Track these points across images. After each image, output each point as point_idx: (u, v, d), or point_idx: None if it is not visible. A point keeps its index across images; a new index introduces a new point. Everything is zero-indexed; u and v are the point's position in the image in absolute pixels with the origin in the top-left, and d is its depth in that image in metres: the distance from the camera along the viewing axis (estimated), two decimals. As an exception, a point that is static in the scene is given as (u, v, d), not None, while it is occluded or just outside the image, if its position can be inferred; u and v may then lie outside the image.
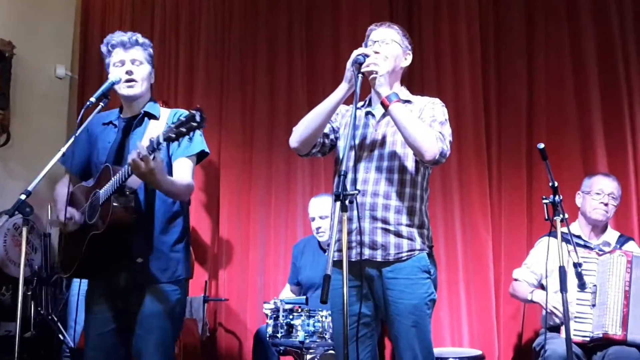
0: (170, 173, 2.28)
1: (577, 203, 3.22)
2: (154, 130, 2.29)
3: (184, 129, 1.98)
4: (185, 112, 2.32)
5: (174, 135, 1.99)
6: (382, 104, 2.15)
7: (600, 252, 2.96)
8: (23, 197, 2.22)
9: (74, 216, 2.30)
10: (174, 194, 2.24)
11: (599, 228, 3.16)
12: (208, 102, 4.43)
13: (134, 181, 2.16)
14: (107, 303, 2.30)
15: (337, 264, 2.06)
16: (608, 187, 3.13)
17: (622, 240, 3.16)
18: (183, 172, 2.27)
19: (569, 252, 2.76)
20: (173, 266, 2.29)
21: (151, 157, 2.03)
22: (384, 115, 2.28)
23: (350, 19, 4.25)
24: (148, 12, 4.75)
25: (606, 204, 3.11)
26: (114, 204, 2.14)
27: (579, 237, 3.10)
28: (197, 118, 1.98)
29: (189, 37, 4.60)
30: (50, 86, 4.77)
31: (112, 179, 2.17)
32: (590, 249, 3.01)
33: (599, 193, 3.12)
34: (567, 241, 2.78)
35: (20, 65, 4.45)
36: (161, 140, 2.01)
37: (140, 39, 2.39)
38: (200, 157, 2.36)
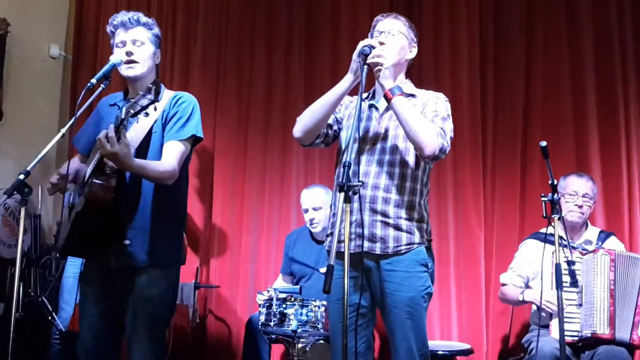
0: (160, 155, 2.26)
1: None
2: (151, 112, 2.25)
3: (138, 105, 2.01)
4: (185, 95, 2.36)
5: (133, 111, 2.01)
6: (385, 96, 2.15)
7: (584, 252, 2.97)
8: (22, 177, 2.18)
9: (62, 174, 2.30)
10: (149, 178, 2.21)
11: (576, 228, 3.18)
12: (204, 89, 4.40)
13: None
14: (99, 285, 2.29)
15: (338, 255, 2.06)
16: (582, 188, 3.14)
17: (603, 236, 3.18)
18: (168, 155, 2.23)
19: (557, 250, 2.77)
20: (162, 250, 2.26)
21: (116, 137, 2.02)
22: (387, 109, 2.29)
23: (350, 12, 4.24)
24: (145, -9, 4.70)
25: (580, 206, 3.12)
26: (92, 182, 2.13)
27: (560, 237, 3.11)
28: (152, 92, 2.01)
29: (186, 20, 4.55)
30: (43, 66, 4.70)
31: (95, 158, 2.17)
32: (574, 248, 3.02)
33: (572, 194, 3.13)
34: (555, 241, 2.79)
35: (14, 44, 4.39)
36: (123, 116, 2.02)
37: (143, 19, 2.36)
38: (194, 142, 2.33)
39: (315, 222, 3.52)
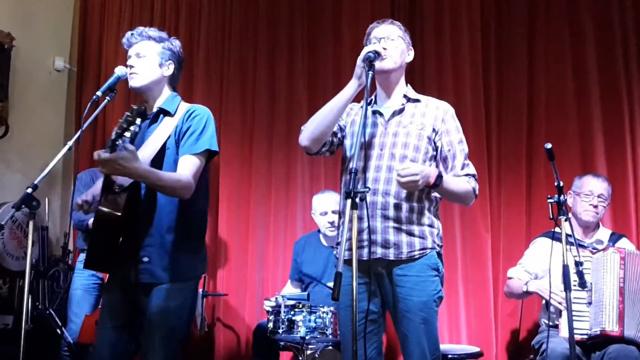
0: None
1: (568, 203, 3.22)
2: (165, 127, 2.28)
3: (125, 125, 2.03)
4: (199, 109, 2.34)
5: (119, 131, 2.03)
6: (433, 186, 2.17)
7: (594, 250, 2.98)
8: (30, 190, 2.20)
9: (87, 200, 2.29)
10: (163, 187, 2.18)
11: (590, 227, 3.19)
12: (208, 98, 4.41)
13: (125, 179, 2.15)
14: (119, 298, 2.28)
15: (347, 261, 2.06)
16: (597, 188, 3.15)
17: (615, 237, 3.18)
18: (182, 168, 2.22)
19: (565, 251, 2.77)
20: (179, 266, 2.25)
21: (114, 153, 2.03)
22: (393, 115, 2.31)
23: (351, 17, 4.25)
24: (147, 4, 4.73)
25: (595, 206, 3.13)
26: (101, 201, 2.15)
27: (570, 236, 3.11)
28: (132, 112, 2.02)
29: (188, 31, 4.57)
30: (49, 78, 4.75)
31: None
32: (584, 247, 3.03)
33: (588, 194, 3.15)
34: (568, 241, 2.79)
35: (19, 57, 4.43)
36: (113, 136, 2.04)
37: (151, 33, 2.36)
38: (210, 155, 2.30)
39: (335, 225, 3.48)
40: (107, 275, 2.41)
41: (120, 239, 2.15)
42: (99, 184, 2.36)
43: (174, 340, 2.25)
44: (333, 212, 3.52)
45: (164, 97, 2.38)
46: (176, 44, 2.42)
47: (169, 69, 2.38)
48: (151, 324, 2.22)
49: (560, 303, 2.86)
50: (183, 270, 2.26)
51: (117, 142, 2.04)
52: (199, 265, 2.35)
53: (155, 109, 2.36)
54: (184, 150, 2.25)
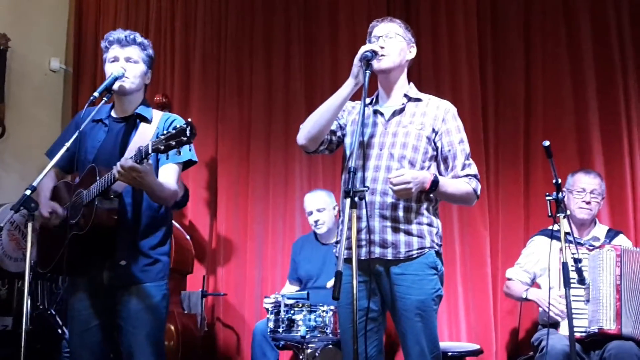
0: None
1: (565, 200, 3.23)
2: (144, 133, 2.32)
3: (172, 142, 2.02)
4: (178, 119, 2.38)
5: (162, 147, 2.04)
6: (430, 190, 2.18)
7: (591, 248, 2.99)
8: (28, 192, 2.18)
9: (57, 210, 2.32)
10: (162, 198, 2.26)
11: (585, 224, 3.19)
12: (205, 96, 4.42)
13: (119, 185, 2.18)
14: (90, 300, 2.31)
15: (347, 260, 2.06)
16: (590, 184, 3.15)
17: (612, 234, 3.19)
18: (168, 177, 2.28)
19: (564, 248, 2.78)
20: (156, 268, 2.33)
21: (139, 164, 2.06)
22: (393, 115, 2.30)
23: (347, 15, 4.26)
24: (143, 4, 4.72)
25: (589, 202, 3.13)
26: (98, 207, 2.18)
27: (568, 233, 3.12)
28: (187, 133, 2.01)
29: (185, 30, 4.58)
30: (44, 79, 4.74)
31: (98, 181, 2.19)
32: (581, 244, 3.02)
33: (580, 192, 3.14)
34: (567, 239, 2.80)
35: (14, 59, 4.42)
36: (150, 150, 2.05)
37: (139, 39, 2.41)
38: (186, 164, 2.38)
39: (320, 223, 3.59)
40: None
41: (101, 243, 2.21)
42: (44, 193, 2.36)
43: (158, 336, 2.33)
44: (318, 210, 3.59)
45: (139, 103, 2.42)
46: (152, 51, 2.46)
47: (149, 78, 2.45)
48: (133, 322, 2.26)
49: (558, 315, 2.88)
50: (158, 271, 2.33)
51: (149, 156, 2.06)
52: (168, 267, 2.40)
53: (130, 114, 2.39)
54: (169, 159, 2.27)
